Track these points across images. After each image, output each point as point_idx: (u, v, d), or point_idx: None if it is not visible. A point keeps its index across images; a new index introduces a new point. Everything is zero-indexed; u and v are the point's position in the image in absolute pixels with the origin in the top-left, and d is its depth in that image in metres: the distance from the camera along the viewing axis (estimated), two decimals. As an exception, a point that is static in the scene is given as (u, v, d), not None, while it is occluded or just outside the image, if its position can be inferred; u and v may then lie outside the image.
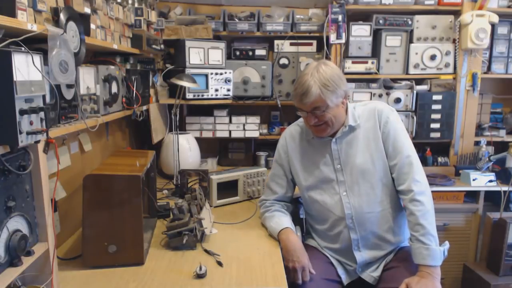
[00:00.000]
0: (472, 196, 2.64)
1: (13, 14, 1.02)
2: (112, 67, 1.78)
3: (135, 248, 1.40)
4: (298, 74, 2.81)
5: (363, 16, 2.84)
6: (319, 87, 1.49)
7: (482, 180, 2.57)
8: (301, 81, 1.53)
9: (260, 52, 2.86)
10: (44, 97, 1.07)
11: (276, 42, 2.81)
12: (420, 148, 2.84)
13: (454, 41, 2.73)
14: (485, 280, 2.32)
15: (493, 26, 2.66)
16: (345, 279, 1.67)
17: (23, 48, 0.98)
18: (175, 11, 2.86)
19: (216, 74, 2.54)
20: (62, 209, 1.55)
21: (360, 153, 1.61)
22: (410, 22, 2.70)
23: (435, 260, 1.45)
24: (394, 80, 2.78)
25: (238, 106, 2.86)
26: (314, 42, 2.82)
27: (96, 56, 1.85)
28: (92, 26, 1.55)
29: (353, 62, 2.73)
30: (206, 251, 1.51)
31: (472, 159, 2.79)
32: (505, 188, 2.48)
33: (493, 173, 2.59)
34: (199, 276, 1.31)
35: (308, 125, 1.61)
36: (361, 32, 2.72)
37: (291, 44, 2.82)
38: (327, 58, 2.69)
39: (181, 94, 2.27)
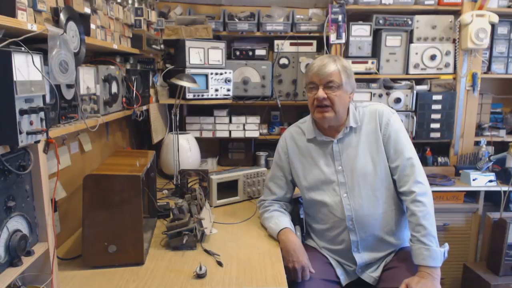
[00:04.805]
0: (472, 196, 2.64)
1: (13, 14, 1.02)
2: (112, 67, 1.77)
3: (135, 248, 1.40)
4: (298, 74, 2.81)
5: (363, 16, 2.84)
6: (337, 66, 1.57)
7: (482, 180, 2.57)
8: (320, 59, 1.60)
9: (260, 52, 2.86)
10: (44, 97, 1.07)
11: (276, 42, 2.81)
12: (420, 148, 2.84)
13: (454, 41, 2.73)
14: (485, 280, 2.32)
15: (493, 26, 2.67)
16: (343, 280, 1.67)
17: (23, 48, 0.98)
18: (175, 11, 2.86)
19: (216, 74, 2.54)
20: (62, 209, 1.55)
21: (361, 155, 1.62)
22: (410, 22, 2.70)
23: (435, 260, 1.45)
24: (394, 80, 2.78)
25: (238, 106, 2.86)
26: (314, 42, 2.82)
27: (96, 56, 1.84)
28: (92, 26, 1.55)
29: (353, 62, 2.72)
30: (206, 251, 1.51)
31: (472, 159, 2.79)
32: (505, 188, 2.48)
33: (493, 173, 2.59)
34: (199, 276, 1.31)
35: (313, 106, 1.61)
36: (361, 32, 2.72)
37: (291, 44, 2.82)
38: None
39: (181, 94, 2.27)
